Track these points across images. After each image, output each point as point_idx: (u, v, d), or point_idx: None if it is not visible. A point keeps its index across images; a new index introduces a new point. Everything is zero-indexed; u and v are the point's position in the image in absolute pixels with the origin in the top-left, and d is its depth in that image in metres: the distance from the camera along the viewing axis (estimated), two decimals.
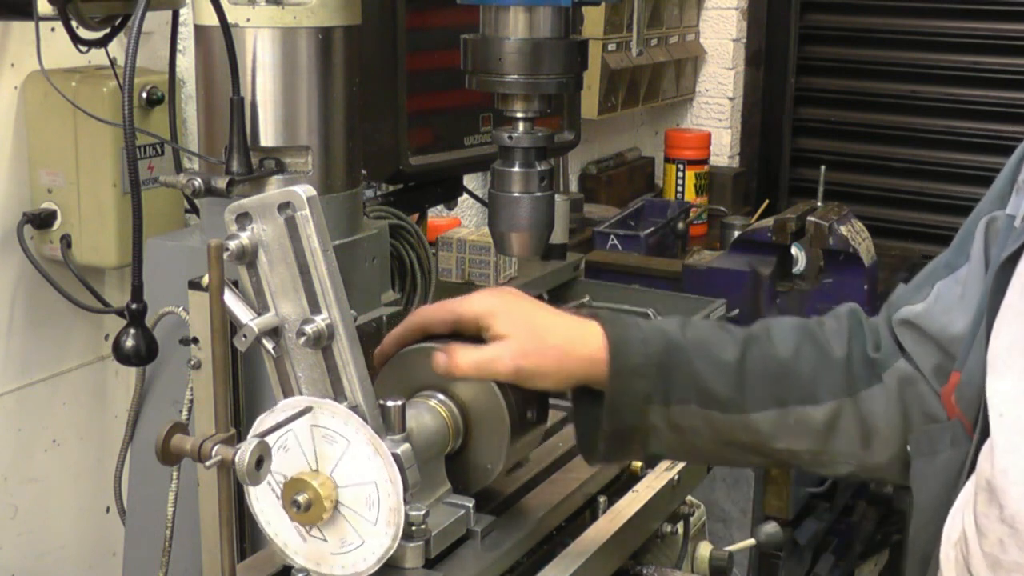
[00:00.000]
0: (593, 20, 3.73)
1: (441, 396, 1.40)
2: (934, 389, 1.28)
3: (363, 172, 1.74)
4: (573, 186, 4.18)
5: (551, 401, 1.45)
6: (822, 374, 1.33)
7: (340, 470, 1.25)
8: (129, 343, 1.60)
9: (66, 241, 2.20)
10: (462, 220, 3.28)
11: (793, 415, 1.33)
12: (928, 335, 1.29)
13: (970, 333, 1.20)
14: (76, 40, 1.79)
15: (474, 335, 1.37)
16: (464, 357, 1.33)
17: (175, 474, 1.66)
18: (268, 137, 1.59)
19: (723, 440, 1.35)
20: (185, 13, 1.89)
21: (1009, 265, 1.13)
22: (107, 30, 1.82)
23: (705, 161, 4.40)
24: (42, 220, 2.19)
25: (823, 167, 3.54)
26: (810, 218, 3.25)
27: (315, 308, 1.26)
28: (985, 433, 1.08)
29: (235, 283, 1.29)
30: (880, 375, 1.32)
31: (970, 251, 1.25)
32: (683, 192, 4.34)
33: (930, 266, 1.34)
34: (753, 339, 1.36)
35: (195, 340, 1.55)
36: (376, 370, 1.41)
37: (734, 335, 1.37)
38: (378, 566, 1.25)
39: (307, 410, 1.25)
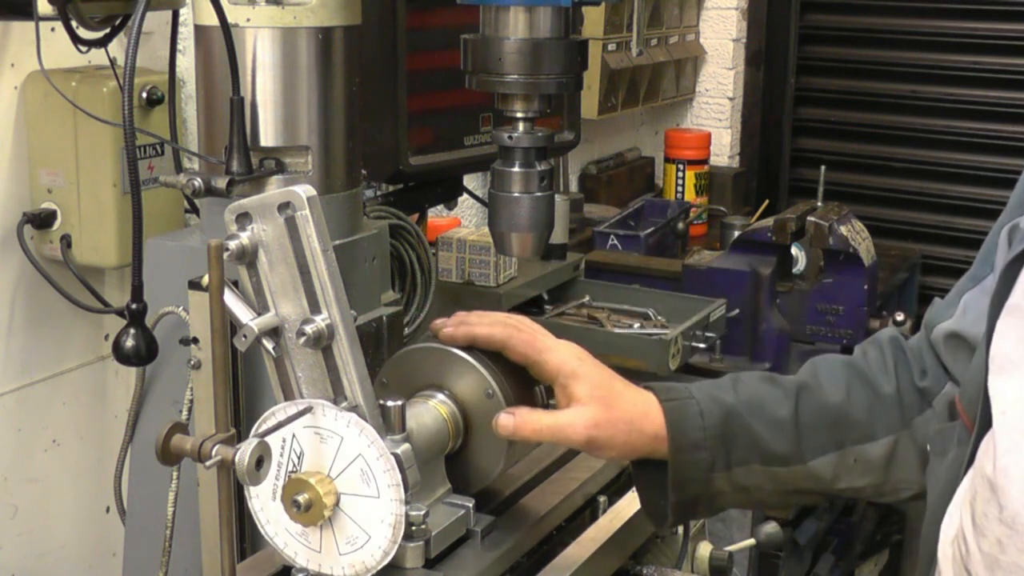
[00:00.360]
0: (593, 20, 3.73)
1: (441, 396, 1.40)
2: None
3: (363, 172, 1.74)
4: (573, 186, 4.17)
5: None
6: (876, 412, 1.38)
7: (344, 474, 1.25)
8: (129, 343, 1.60)
9: (66, 241, 2.20)
10: (462, 220, 3.27)
11: (852, 455, 1.38)
12: (964, 347, 1.31)
13: None
14: (76, 40, 1.78)
15: (531, 377, 1.40)
16: (535, 423, 1.35)
17: (175, 474, 1.66)
18: (268, 137, 1.59)
19: (787, 490, 1.40)
20: (185, 13, 1.89)
21: (1015, 266, 1.12)
22: (107, 30, 1.81)
23: (705, 161, 4.40)
24: (42, 220, 2.19)
25: (823, 167, 3.54)
26: (810, 218, 3.24)
27: (315, 308, 1.26)
28: (983, 431, 1.07)
29: (235, 283, 1.29)
30: (930, 402, 1.37)
31: (994, 261, 1.26)
32: (683, 192, 4.33)
33: (958, 283, 1.36)
34: (804, 388, 1.40)
35: (195, 340, 1.54)
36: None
37: (785, 388, 1.41)
38: (380, 567, 1.26)
39: (307, 410, 1.25)
